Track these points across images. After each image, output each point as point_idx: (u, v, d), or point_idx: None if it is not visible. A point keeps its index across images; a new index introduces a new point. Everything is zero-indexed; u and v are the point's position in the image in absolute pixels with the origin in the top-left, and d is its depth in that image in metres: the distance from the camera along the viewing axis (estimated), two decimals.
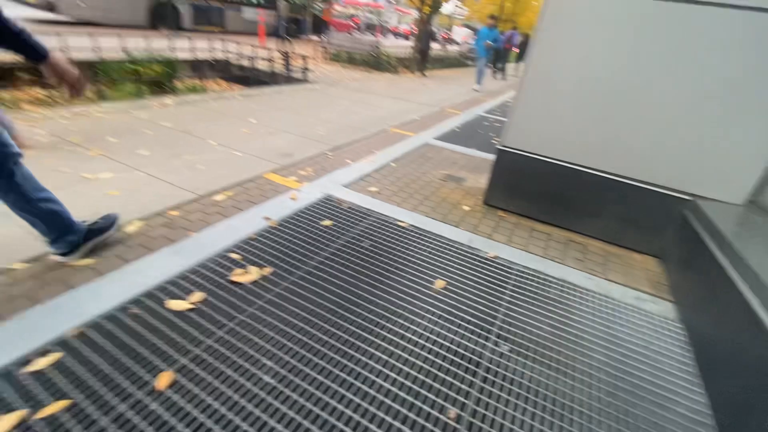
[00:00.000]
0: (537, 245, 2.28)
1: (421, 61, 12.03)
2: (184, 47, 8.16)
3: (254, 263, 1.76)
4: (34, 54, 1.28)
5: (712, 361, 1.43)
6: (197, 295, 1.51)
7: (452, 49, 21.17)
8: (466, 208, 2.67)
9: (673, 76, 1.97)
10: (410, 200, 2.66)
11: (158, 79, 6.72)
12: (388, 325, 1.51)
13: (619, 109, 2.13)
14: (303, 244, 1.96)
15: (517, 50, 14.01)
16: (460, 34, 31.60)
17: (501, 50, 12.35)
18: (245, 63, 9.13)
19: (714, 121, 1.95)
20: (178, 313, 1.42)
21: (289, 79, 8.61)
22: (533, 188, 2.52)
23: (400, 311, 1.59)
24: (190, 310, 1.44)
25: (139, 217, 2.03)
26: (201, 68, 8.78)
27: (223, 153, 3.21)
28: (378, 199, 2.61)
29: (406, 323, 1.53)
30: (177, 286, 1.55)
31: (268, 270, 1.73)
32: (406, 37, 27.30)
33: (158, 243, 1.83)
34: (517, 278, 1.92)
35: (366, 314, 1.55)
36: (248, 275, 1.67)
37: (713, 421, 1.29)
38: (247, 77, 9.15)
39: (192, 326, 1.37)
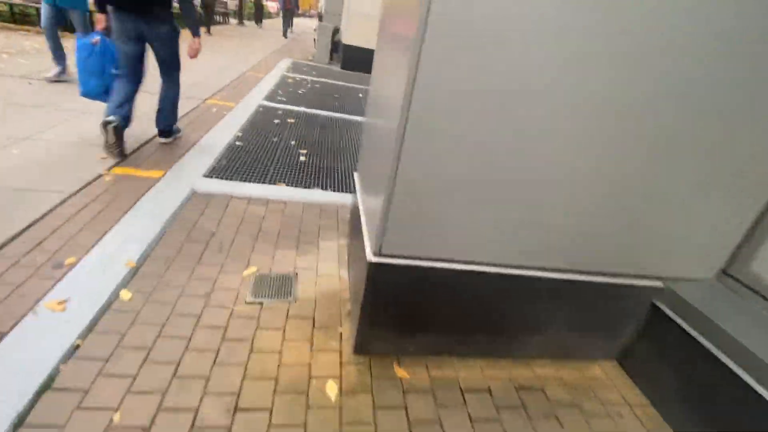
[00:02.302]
0: None
1: (206, 14, 9.28)
2: None
3: None
4: (197, 30, 2.54)
5: None
6: None
7: None
8: (332, 389, 1.25)
9: (633, 124, 1.08)
10: None
11: None
12: None
13: (553, 183, 1.13)
14: None
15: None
16: None
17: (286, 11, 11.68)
18: None
19: (693, 185, 1.22)
20: None
21: None
22: (442, 312, 1.34)
23: None
24: None
25: None
26: None
27: None
28: None
29: None
30: None
31: None
32: None
33: None
34: None
35: None
36: None
37: None
38: None
39: None
